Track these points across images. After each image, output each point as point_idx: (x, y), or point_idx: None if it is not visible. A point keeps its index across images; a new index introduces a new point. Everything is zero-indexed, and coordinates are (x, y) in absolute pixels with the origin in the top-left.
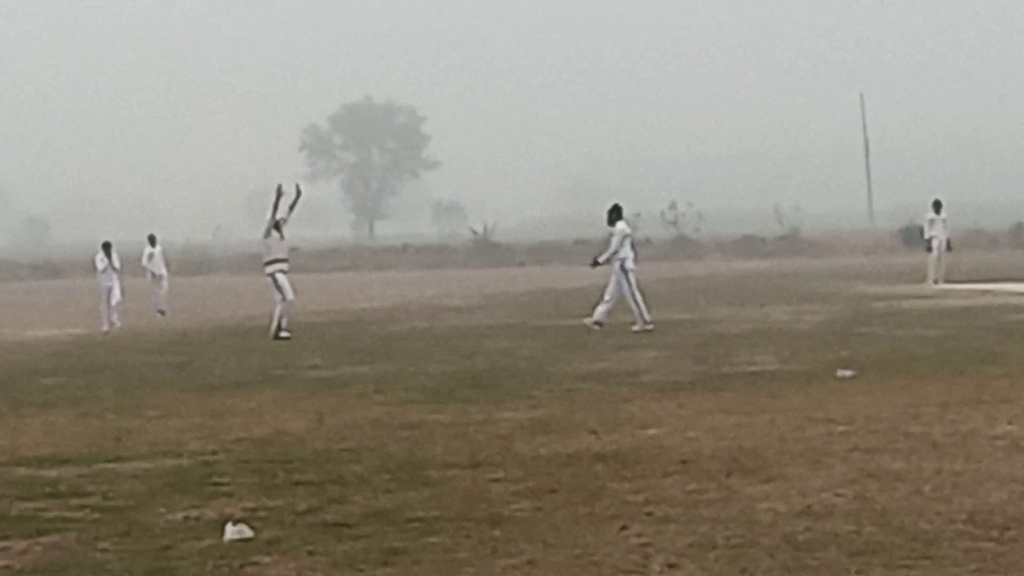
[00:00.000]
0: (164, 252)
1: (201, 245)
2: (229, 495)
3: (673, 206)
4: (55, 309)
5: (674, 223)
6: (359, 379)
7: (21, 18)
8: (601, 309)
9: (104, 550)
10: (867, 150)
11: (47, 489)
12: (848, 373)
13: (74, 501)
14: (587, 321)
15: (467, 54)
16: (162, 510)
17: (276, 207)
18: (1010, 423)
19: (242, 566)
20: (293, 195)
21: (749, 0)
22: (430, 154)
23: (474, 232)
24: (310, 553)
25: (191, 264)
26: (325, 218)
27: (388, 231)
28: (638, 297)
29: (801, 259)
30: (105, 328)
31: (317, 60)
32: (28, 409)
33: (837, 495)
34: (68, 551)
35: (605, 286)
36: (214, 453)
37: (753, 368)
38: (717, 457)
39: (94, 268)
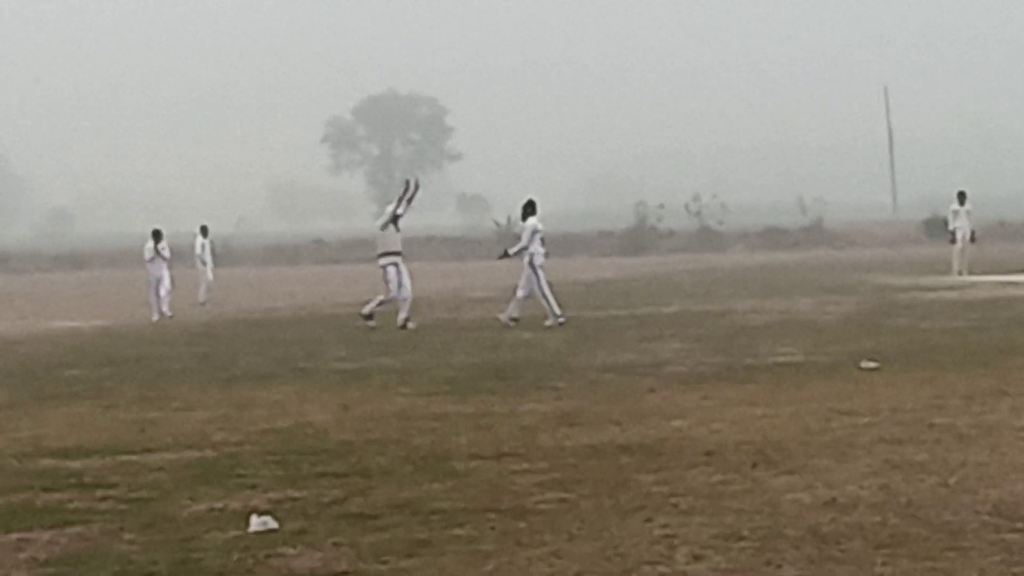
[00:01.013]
0: (212, 243)
1: (224, 237)
2: (253, 487)
3: (696, 198)
4: (79, 301)
5: (697, 215)
6: (383, 371)
7: (45, 12)
8: (512, 304)
9: (129, 541)
10: (891, 142)
11: (72, 480)
12: (872, 364)
13: (99, 492)
14: (501, 317)
15: (490, 45)
16: (187, 501)
17: (401, 201)
18: None
19: (267, 557)
20: (412, 189)
21: None
22: (453, 145)
23: (497, 224)
24: (335, 544)
25: (214, 256)
26: (349, 209)
27: (412, 223)
28: (547, 292)
29: (825, 250)
30: (155, 318)
31: (340, 51)
32: (52, 401)
33: (862, 487)
34: (92, 542)
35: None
36: (238, 444)
37: (777, 360)
38: (742, 449)
39: (143, 257)
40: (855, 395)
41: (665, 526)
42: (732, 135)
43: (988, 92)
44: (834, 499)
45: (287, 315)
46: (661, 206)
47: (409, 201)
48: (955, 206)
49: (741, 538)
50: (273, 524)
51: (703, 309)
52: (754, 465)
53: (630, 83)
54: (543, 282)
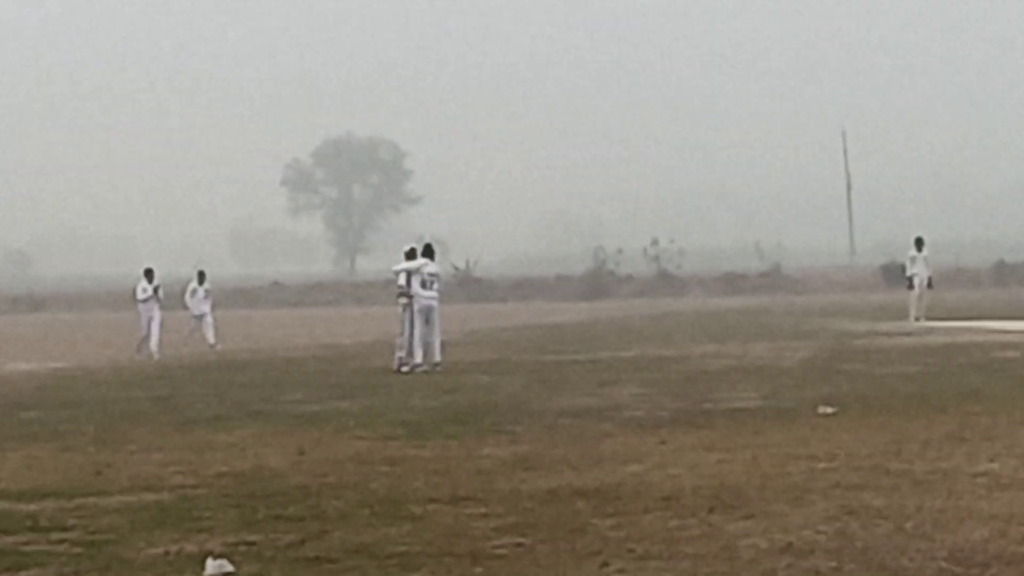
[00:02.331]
0: (210, 291)
1: (182, 279)
2: (210, 530)
3: (655, 242)
4: (37, 343)
5: (656, 259)
6: (340, 414)
7: (3, 52)
8: (438, 349)
9: None
10: (849, 187)
11: (27, 523)
12: (830, 410)
13: (54, 535)
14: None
15: (450, 89)
16: (143, 544)
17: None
18: (992, 461)
19: None
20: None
21: (731, 37)
22: (413, 189)
23: (456, 268)
24: None
25: (172, 298)
26: (307, 253)
27: (370, 266)
28: (416, 339)
29: (782, 295)
30: (140, 356)
31: (299, 95)
32: (9, 443)
33: (819, 532)
34: None
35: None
36: (195, 487)
37: (735, 405)
38: (699, 494)
39: (133, 297)
40: (812, 440)
41: (621, 571)
42: (690, 179)
43: (946, 139)
44: (790, 544)
45: (245, 358)
46: (619, 251)
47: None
48: (913, 252)
49: None
50: (229, 568)
51: (661, 354)
52: (711, 510)
53: (589, 126)
54: (417, 327)
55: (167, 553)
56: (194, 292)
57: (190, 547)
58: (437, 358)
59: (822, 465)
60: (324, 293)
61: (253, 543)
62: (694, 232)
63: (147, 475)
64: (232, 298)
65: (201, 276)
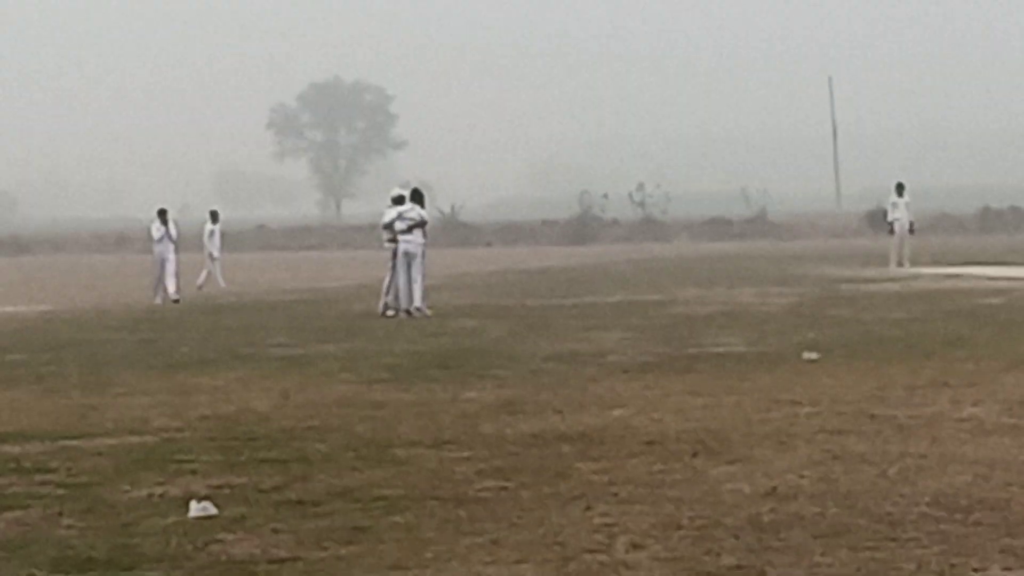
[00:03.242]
0: (222, 231)
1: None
2: (194, 472)
3: (641, 187)
4: (21, 285)
5: (642, 204)
6: (325, 358)
7: None
8: (417, 295)
9: (68, 526)
10: (835, 133)
11: (11, 465)
12: (814, 356)
13: (38, 477)
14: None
15: (436, 33)
16: (126, 487)
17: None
18: (975, 406)
19: (206, 543)
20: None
21: None
22: (398, 133)
23: (441, 212)
24: (275, 531)
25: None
26: (292, 197)
27: (356, 210)
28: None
29: (768, 241)
30: (158, 300)
31: (285, 39)
32: None
33: (802, 477)
34: (32, 527)
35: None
36: (179, 431)
37: (720, 350)
38: (683, 438)
39: (149, 237)
40: (797, 386)
41: (605, 515)
42: (677, 125)
43: (932, 85)
44: (774, 489)
45: (230, 301)
46: (605, 196)
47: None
48: (894, 198)
49: (680, 527)
50: (213, 510)
51: (646, 299)
52: (695, 455)
53: (575, 71)
54: (400, 272)
55: (151, 495)
56: (211, 233)
57: (174, 490)
58: (416, 303)
59: (806, 410)
60: (309, 237)
61: (237, 486)
62: (680, 178)
63: (131, 418)
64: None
65: (214, 215)
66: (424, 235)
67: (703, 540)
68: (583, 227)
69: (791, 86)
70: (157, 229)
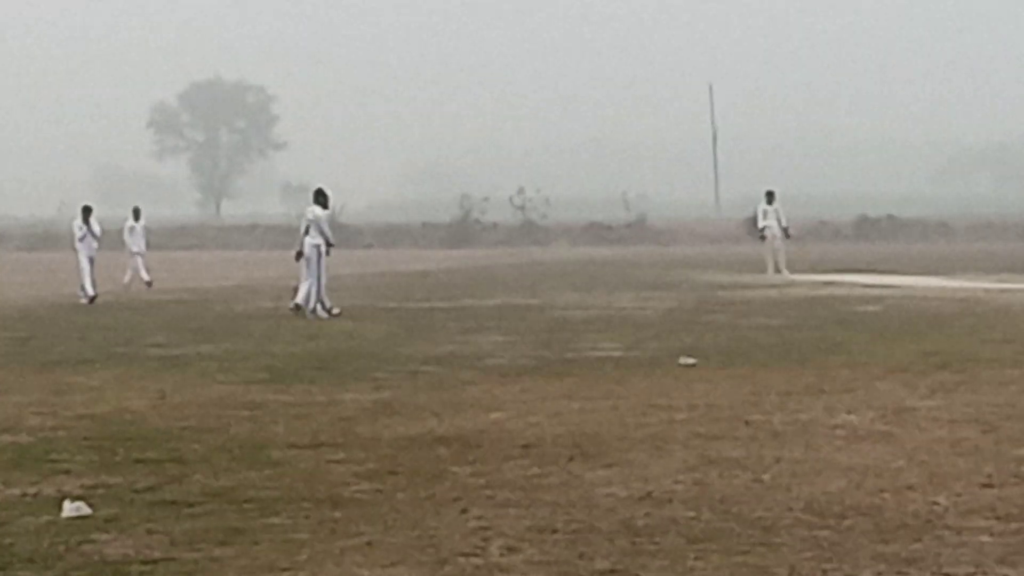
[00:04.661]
0: (146, 228)
1: (46, 220)
2: (68, 472)
3: (520, 191)
4: None
5: (521, 208)
6: (202, 358)
7: None
8: (301, 294)
9: None
10: (715, 140)
11: None
12: (691, 361)
13: None
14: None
15: (318, 34)
16: (0, 486)
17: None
18: (849, 413)
19: (80, 543)
20: None
21: None
22: (279, 134)
23: None
24: (149, 531)
25: (35, 239)
26: (172, 196)
27: (235, 211)
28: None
29: (647, 247)
30: (89, 296)
31: (167, 37)
32: None
33: (677, 481)
34: None
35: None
36: (54, 430)
37: (597, 354)
38: (559, 442)
39: (71, 235)
40: (673, 390)
41: (480, 518)
42: (558, 130)
43: (811, 94)
44: (649, 493)
45: (107, 300)
46: (485, 199)
47: None
48: (763, 205)
49: (555, 531)
50: (86, 510)
51: (525, 302)
52: (570, 458)
53: (458, 74)
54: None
55: (24, 495)
56: (132, 230)
57: (48, 489)
58: (298, 300)
59: (682, 415)
60: (188, 237)
61: (111, 486)
62: (561, 183)
63: (5, 416)
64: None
65: (136, 213)
66: (321, 235)
67: (578, 544)
68: (463, 230)
69: (672, 92)
70: (79, 227)
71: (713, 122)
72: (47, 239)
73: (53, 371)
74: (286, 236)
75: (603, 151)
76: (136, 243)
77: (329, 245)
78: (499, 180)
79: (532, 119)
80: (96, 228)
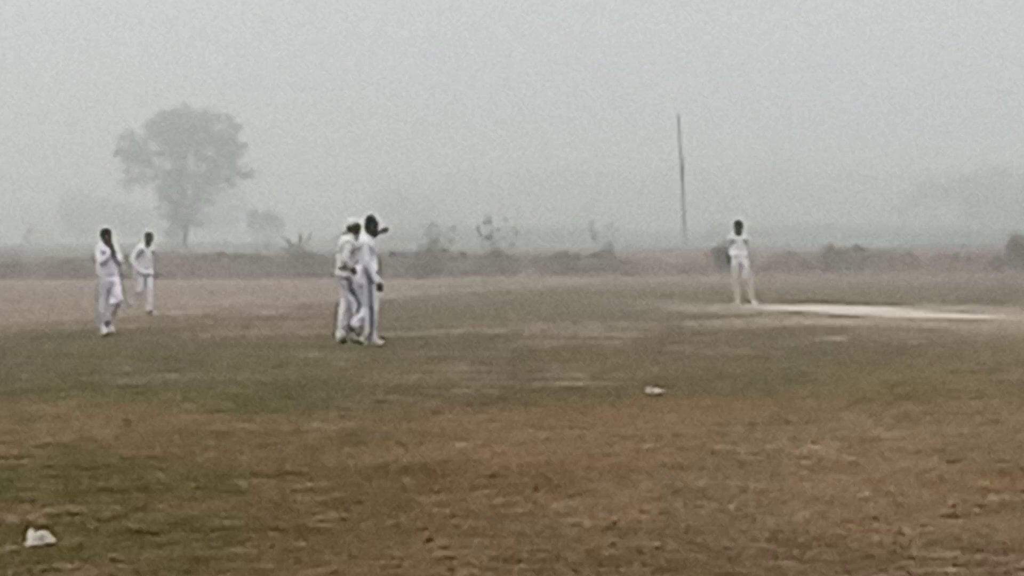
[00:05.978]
0: (155, 254)
1: (12, 247)
2: (32, 500)
3: (488, 220)
4: None
5: (489, 238)
6: (168, 387)
7: None
8: (355, 319)
9: None
10: (683, 171)
11: None
12: (657, 390)
13: None
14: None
15: (286, 63)
16: None
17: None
18: (815, 443)
19: (43, 572)
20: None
21: (567, 20)
22: (246, 163)
23: (288, 242)
24: (113, 560)
25: (2, 267)
26: (139, 224)
27: (203, 239)
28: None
29: (615, 276)
30: (104, 331)
31: (134, 65)
32: None
33: (643, 511)
34: None
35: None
36: (18, 458)
37: (564, 384)
38: (525, 471)
39: (93, 260)
40: (639, 420)
41: (445, 547)
42: (526, 159)
43: (778, 125)
44: (614, 523)
45: (74, 328)
46: (453, 228)
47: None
48: (732, 236)
49: (520, 560)
50: (50, 539)
51: (492, 332)
52: (536, 488)
53: (425, 103)
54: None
55: None
56: (141, 254)
57: (11, 517)
58: (353, 324)
59: (648, 445)
60: (156, 265)
61: (76, 514)
62: (528, 212)
63: None
64: (62, 268)
65: (148, 238)
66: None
67: (543, 574)
68: (430, 259)
69: (640, 123)
70: (102, 252)
71: (681, 152)
72: (14, 267)
73: (17, 399)
74: (252, 264)
75: (571, 180)
76: (145, 266)
77: (353, 272)
78: (466, 209)
79: (499, 148)
80: (119, 254)
